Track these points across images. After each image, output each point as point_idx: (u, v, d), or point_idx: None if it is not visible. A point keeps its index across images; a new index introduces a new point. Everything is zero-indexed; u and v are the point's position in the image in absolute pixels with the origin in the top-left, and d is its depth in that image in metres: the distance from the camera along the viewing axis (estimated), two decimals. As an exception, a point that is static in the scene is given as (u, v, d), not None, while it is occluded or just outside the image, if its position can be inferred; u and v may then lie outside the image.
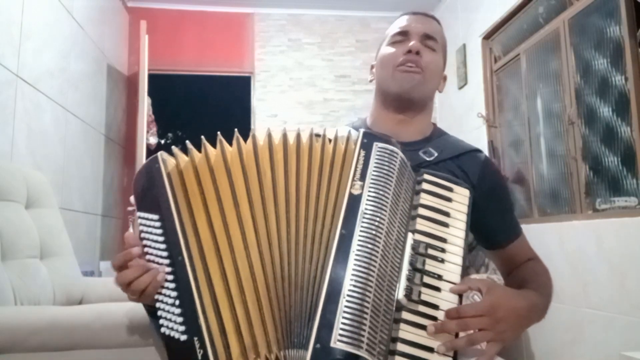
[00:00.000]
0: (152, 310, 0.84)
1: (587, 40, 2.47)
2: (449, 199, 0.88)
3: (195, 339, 0.75)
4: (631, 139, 2.17)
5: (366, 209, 0.80)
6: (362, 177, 0.83)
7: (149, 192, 0.85)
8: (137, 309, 1.24)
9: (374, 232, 0.78)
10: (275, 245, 0.81)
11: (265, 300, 0.78)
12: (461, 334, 0.80)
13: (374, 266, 0.76)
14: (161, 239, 0.82)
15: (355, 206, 0.80)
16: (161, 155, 0.87)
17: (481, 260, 2.82)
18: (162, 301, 0.79)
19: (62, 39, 2.70)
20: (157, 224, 0.82)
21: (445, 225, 0.86)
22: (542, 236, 2.58)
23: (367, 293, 0.74)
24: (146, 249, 0.83)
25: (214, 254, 0.80)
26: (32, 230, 1.65)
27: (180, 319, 0.77)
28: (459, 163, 1.05)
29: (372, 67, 1.18)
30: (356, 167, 0.84)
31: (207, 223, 0.82)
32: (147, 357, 1.18)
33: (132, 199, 0.87)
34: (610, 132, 2.31)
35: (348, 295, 0.73)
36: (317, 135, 0.89)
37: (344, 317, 0.72)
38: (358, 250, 0.76)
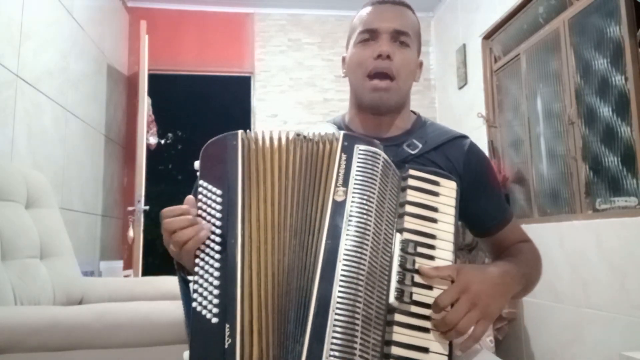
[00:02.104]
0: (185, 279, 0.83)
1: (587, 40, 2.47)
2: (436, 194, 0.87)
3: (227, 326, 0.74)
4: (631, 139, 2.17)
5: (350, 216, 0.78)
6: (345, 183, 0.81)
7: (219, 166, 0.84)
8: (137, 309, 1.24)
9: (359, 239, 0.76)
10: (287, 256, 0.79)
11: (279, 312, 0.77)
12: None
13: (362, 274, 0.75)
14: (219, 215, 0.81)
15: (339, 214, 0.78)
16: (241, 134, 0.86)
17: (481, 260, 2.82)
18: (202, 276, 0.78)
19: (62, 39, 2.70)
20: (219, 199, 0.81)
21: (434, 220, 0.85)
22: (542, 236, 2.58)
23: (357, 303, 0.73)
24: (199, 219, 0.81)
25: (257, 249, 0.79)
26: (32, 230, 1.65)
27: (216, 301, 0.75)
28: (444, 152, 1.02)
29: (344, 60, 1.12)
30: (338, 172, 0.82)
31: (257, 216, 0.81)
32: (147, 357, 1.18)
33: (196, 164, 0.85)
34: (610, 132, 2.31)
35: (337, 308, 0.72)
36: (304, 137, 0.87)
37: (334, 331, 0.71)
38: (345, 259, 0.75)
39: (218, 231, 0.80)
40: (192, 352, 0.74)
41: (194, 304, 0.76)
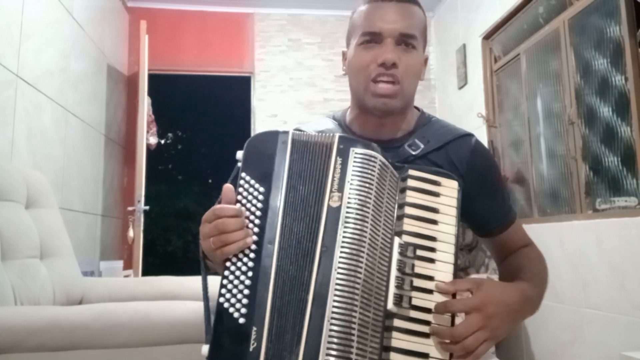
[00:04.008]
0: (209, 269, 0.83)
1: (587, 40, 2.47)
2: (436, 194, 0.84)
3: (254, 329, 0.73)
4: (631, 139, 2.17)
5: (346, 221, 0.76)
6: (340, 188, 0.78)
7: (265, 162, 0.81)
8: (137, 309, 1.24)
9: (355, 246, 0.75)
10: (292, 264, 0.78)
11: (281, 320, 0.75)
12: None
13: (358, 282, 0.73)
14: (259, 213, 0.79)
15: (334, 220, 0.76)
16: (292, 134, 0.83)
17: (481, 260, 2.82)
18: (233, 272, 0.76)
19: (62, 39, 2.70)
20: (261, 196, 0.79)
21: (434, 222, 0.83)
22: (542, 236, 2.58)
23: (353, 312, 0.72)
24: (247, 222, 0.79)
25: (284, 255, 0.77)
26: (32, 230, 1.66)
27: (245, 301, 0.74)
28: (447, 152, 0.99)
29: (344, 55, 1.06)
30: (333, 176, 0.79)
31: (286, 221, 0.79)
32: (147, 357, 1.18)
33: (239, 154, 0.83)
34: (610, 132, 2.31)
35: (332, 318, 0.71)
36: (302, 135, 0.85)
37: (329, 342, 0.70)
38: (340, 266, 0.74)
39: (256, 229, 0.78)
40: (213, 347, 0.73)
41: (221, 299, 0.75)
